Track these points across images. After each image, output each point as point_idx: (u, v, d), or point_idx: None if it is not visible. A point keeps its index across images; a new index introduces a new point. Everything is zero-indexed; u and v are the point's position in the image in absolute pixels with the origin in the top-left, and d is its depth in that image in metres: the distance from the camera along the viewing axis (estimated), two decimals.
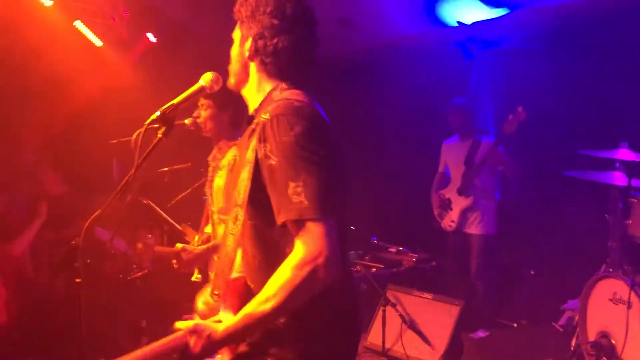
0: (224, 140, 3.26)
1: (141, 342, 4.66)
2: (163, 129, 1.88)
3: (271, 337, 1.66)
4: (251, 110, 1.87)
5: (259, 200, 1.66)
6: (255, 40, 1.79)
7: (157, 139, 1.90)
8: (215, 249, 3.12)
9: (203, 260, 3.26)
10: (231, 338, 1.60)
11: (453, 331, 4.18)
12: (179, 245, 3.17)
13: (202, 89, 1.92)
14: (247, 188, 1.65)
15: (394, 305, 4.37)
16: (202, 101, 3.23)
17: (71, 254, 1.77)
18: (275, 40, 1.76)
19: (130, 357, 1.54)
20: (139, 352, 1.57)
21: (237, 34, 1.89)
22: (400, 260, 5.53)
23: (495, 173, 5.08)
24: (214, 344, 1.58)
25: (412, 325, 4.30)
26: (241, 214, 1.67)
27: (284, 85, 1.79)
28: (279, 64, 1.79)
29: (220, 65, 1.98)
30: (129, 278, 4.65)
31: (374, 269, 5.34)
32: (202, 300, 2.99)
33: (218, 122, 3.22)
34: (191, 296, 4.93)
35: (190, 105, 2.06)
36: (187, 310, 5.08)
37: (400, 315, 4.32)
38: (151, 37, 5.58)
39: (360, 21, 5.95)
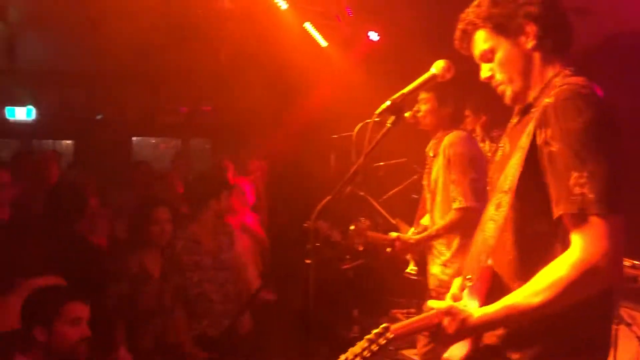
0: (441, 131, 3.22)
1: (353, 330, 4.83)
2: (392, 118, 1.89)
3: (521, 335, 1.57)
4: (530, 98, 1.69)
5: (526, 189, 1.55)
6: (537, 25, 1.65)
7: (385, 128, 1.91)
8: (429, 239, 3.10)
9: (417, 251, 3.24)
10: (487, 326, 1.56)
11: None
12: (394, 234, 3.20)
13: (433, 77, 1.87)
14: (515, 175, 1.55)
15: (629, 325, 3.87)
16: (423, 95, 3.21)
17: (304, 235, 1.86)
18: (551, 16, 1.68)
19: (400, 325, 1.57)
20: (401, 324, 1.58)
21: (490, 43, 1.70)
22: (636, 276, 4.88)
23: None
24: (468, 329, 1.54)
25: None
26: (505, 200, 1.57)
27: (567, 72, 1.64)
28: (556, 39, 1.68)
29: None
30: (343, 267, 4.84)
31: None
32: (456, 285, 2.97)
33: (438, 116, 3.20)
34: (400, 292, 4.98)
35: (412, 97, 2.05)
36: (396, 305, 5.15)
37: (638, 337, 3.81)
38: (374, 35, 5.70)
39: (597, 9, 5.38)
